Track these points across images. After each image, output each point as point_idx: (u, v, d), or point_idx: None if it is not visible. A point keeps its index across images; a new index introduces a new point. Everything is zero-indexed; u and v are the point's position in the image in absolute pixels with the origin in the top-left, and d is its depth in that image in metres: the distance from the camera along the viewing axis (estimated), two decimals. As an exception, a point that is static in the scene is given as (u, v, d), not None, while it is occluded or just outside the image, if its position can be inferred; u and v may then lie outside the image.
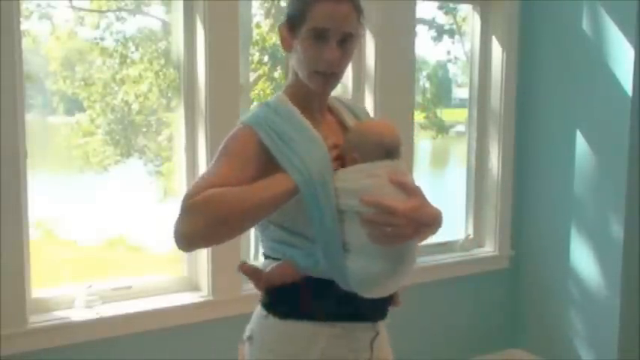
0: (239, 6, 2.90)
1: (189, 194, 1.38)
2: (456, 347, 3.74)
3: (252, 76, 3.29)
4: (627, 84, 3.30)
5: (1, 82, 2.39)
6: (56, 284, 2.86)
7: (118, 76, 2.98)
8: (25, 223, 2.52)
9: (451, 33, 4.02)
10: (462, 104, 4.10)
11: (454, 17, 4.02)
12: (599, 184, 3.46)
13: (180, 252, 2.90)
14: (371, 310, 1.56)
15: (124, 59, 2.99)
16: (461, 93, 4.23)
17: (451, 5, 3.95)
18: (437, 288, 3.62)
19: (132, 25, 3.04)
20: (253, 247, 3.25)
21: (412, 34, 3.41)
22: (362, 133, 1.56)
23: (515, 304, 3.92)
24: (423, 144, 4.16)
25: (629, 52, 3.28)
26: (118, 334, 2.69)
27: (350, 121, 1.65)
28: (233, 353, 1.83)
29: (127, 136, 3.09)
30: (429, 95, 4.23)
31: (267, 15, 3.45)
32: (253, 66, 3.28)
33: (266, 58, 3.36)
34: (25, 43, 2.61)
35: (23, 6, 2.60)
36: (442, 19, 3.99)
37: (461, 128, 4.14)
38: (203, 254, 2.86)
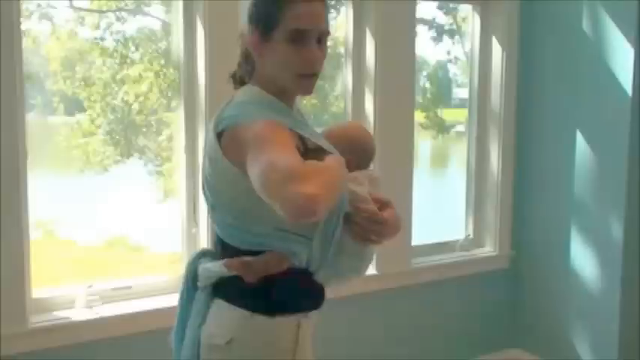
0: (239, 6, 2.89)
1: (283, 169, 1.26)
2: (456, 347, 3.74)
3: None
4: (627, 84, 3.30)
5: (1, 82, 2.39)
6: (56, 284, 2.86)
7: (118, 76, 2.98)
8: (25, 223, 2.52)
9: (451, 33, 4.02)
10: (462, 104, 4.10)
11: (454, 17, 4.02)
12: (599, 184, 3.46)
13: (180, 252, 2.91)
14: (323, 300, 1.64)
15: (124, 59, 2.98)
16: (461, 93, 4.24)
17: (451, 5, 3.95)
18: (437, 288, 3.62)
19: (132, 25, 3.04)
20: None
21: (412, 34, 3.41)
22: (352, 141, 1.64)
23: (515, 304, 3.92)
24: (423, 144, 4.17)
25: (629, 52, 3.28)
26: (118, 334, 2.69)
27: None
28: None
29: (127, 136, 3.09)
30: (429, 95, 4.23)
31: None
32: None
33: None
34: (25, 43, 2.61)
35: (23, 6, 2.59)
36: (442, 19, 3.99)
37: (461, 128, 4.14)
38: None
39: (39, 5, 2.78)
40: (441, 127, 4.19)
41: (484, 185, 3.86)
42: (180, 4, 2.86)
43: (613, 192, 3.39)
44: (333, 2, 3.54)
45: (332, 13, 3.61)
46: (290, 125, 1.49)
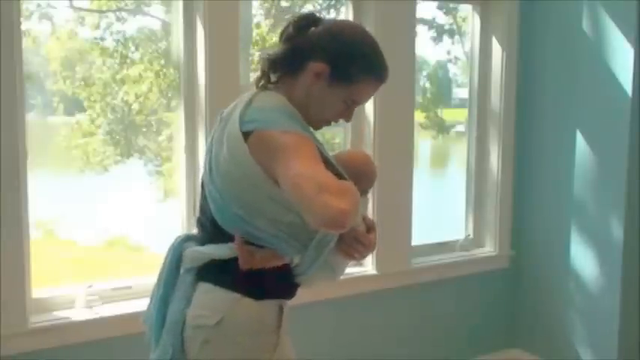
0: (239, 6, 2.90)
1: (320, 180, 1.38)
2: (456, 347, 3.74)
3: (252, 76, 3.29)
4: (627, 84, 3.30)
5: (1, 82, 2.39)
6: (56, 284, 2.86)
7: (118, 76, 2.98)
8: (25, 223, 2.51)
9: (451, 33, 4.02)
10: (462, 104, 4.10)
11: (454, 17, 4.02)
12: (599, 184, 3.46)
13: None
14: (294, 293, 1.77)
15: (124, 59, 2.99)
16: (461, 93, 4.24)
17: (451, 5, 3.95)
18: (437, 288, 3.62)
19: (132, 25, 3.05)
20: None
21: (412, 34, 3.41)
22: (358, 169, 1.76)
23: (515, 304, 3.92)
24: (423, 144, 4.17)
25: (629, 52, 3.28)
26: (118, 334, 2.68)
27: None
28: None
29: (127, 136, 3.09)
30: (429, 95, 4.23)
31: (267, 15, 3.45)
32: (253, 66, 3.28)
33: (266, 58, 3.36)
34: (25, 43, 2.60)
35: (23, 6, 2.59)
36: (442, 19, 3.99)
37: (461, 128, 4.14)
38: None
39: (39, 5, 2.78)
40: (441, 127, 4.19)
41: (484, 185, 3.86)
42: (180, 4, 2.86)
43: (613, 192, 3.39)
44: (333, 2, 3.54)
45: (331, 14, 3.62)
46: (315, 141, 1.60)
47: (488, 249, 3.86)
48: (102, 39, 2.93)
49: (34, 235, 2.66)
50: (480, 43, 3.78)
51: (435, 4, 3.88)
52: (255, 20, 3.34)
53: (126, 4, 3.07)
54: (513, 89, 3.76)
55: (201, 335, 1.64)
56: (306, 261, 1.65)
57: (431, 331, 3.64)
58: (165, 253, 1.79)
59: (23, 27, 2.56)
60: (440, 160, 4.79)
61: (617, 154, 3.36)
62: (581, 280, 3.57)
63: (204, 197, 1.72)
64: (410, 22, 3.39)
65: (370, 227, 1.70)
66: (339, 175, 1.55)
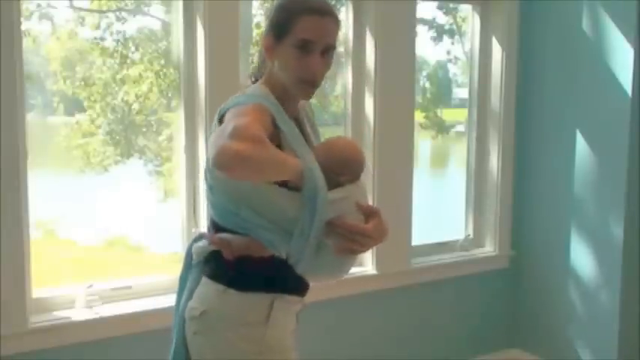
0: (239, 6, 2.90)
1: (238, 127, 1.40)
2: (456, 347, 3.74)
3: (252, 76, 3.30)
4: (627, 84, 3.30)
5: (1, 82, 2.39)
6: (56, 284, 2.86)
7: (118, 77, 2.98)
8: (25, 223, 2.52)
9: (451, 33, 4.02)
10: (462, 104, 4.10)
11: (454, 17, 4.02)
12: (599, 184, 3.46)
13: (180, 252, 2.90)
14: (303, 288, 1.74)
15: (124, 59, 2.99)
16: (461, 93, 4.24)
17: (451, 5, 3.95)
18: (437, 288, 3.62)
19: (132, 25, 3.04)
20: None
21: (412, 34, 3.41)
22: (342, 157, 1.70)
23: (515, 304, 3.92)
24: (423, 144, 4.17)
25: (629, 52, 3.28)
26: (118, 334, 2.69)
27: (309, 132, 1.80)
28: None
29: (127, 136, 3.09)
30: (429, 95, 4.23)
31: (267, 15, 3.45)
32: (253, 66, 3.28)
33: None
34: (25, 43, 2.61)
35: (23, 6, 2.59)
36: (442, 19, 3.99)
37: (461, 128, 4.14)
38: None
39: (39, 5, 2.77)
40: (441, 127, 4.19)
41: (484, 185, 3.86)
42: (180, 4, 2.86)
43: (613, 192, 3.39)
44: (333, 2, 3.54)
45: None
46: (278, 120, 1.61)
47: (488, 249, 3.86)
48: (102, 39, 2.93)
49: (34, 235, 2.66)
50: (480, 43, 3.78)
51: (435, 4, 3.88)
52: (255, 20, 3.34)
53: (126, 4, 3.07)
54: (513, 89, 3.76)
55: (192, 327, 1.68)
56: (294, 249, 1.62)
57: (431, 331, 3.64)
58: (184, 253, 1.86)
59: (23, 27, 2.56)
60: (440, 160, 4.79)
61: (617, 154, 3.36)
62: (581, 280, 3.57)
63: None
64: (410, 22, 3.39)
65: (371, 214, 1.65)
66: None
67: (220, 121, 1.62)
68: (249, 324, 1.65)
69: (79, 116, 2.99)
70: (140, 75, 2.98)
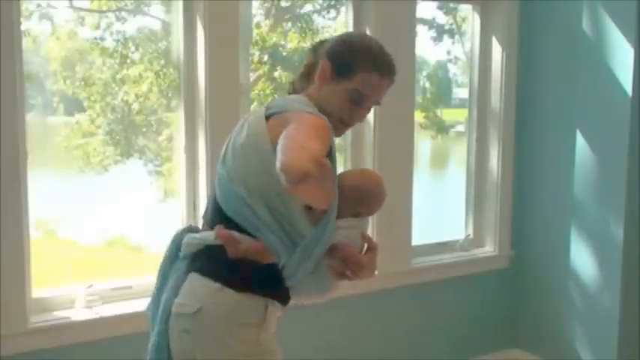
0: (239, 6, 2.90)
1: (309, 144, 1.39)
2: (456, 347, 3.74)
3: (252, 76, 3.29)
4: (627, 84, 3.30)
5: (1, 82, 2.39)
6: (56, 284, 2.86)
7: (118, 76, 2.98)
8: (25, 223, 2.52)
9: (451, 33, 4.02)
10: (462, 104, 4.10)
11: (454, 17, 4.02)
12: (599, 184, 3.46)
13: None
14: (287, 300, 1.77)
15: (124, 59, 2.99)
16: (461, 93, 4.24)
17: (451, 5, 3.95)
18: (437, 288, 3.62)
19: (132, 25, 3.04)
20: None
21: (412, 34, 3.41)
22: (368, 194, 1.76)
23: (515, 304, 3.92)
24: (423, 144, 4.17)
25: (629, 52, 3.28)
26: (118, 334, 2.69)
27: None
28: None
29: (127, 136, 3.09)
30: (429, 95, 4.23)
31: (267, 15, 3.45)
32: (253, 66, 3.28)
33: (266, 58, 3.36)
34: (25, 43, 2.61)
35: (23, 6, 2.59)
36: (442, 19, 3.99)
37: (461, 128, 4.14)
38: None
39: (39, 5, 2.77)
40: (441, 127, 4.19)
41: (484, 185, 3.86)
42: (180, 4, 2.86)
43: (613, 192, 3.39)
44: (333, 2, 3.54)
45: (331, 14, 3.62)
46: (332, 145, 1.64)
47: (488, 249, 3.86)
48: (102, 39, 2.93)
49: (34, 235, 2.66)
50: (480, 43, 3.78)
51: (435, 4, 3.88)
52: (255, 20, 3.34)
53: (126, 4, 3.07)
54: (513, 89, 3.76)
55: (181, 324, 1.65)
56: (292, 262, 1.64)
57: (431, 331, 3.64)
58: (167, 245, 1.81)
59: (23, 27, 2.56)
60: (440, 160, 4.78)
61: (617, 154, 3.36)
62: (581, 280, 3.57)
63: (212, 195, 1.76)
64: (410, 22, 3.39)
65: (370, 247, 1.72)
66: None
67: (267, 118, 1.63)
68: (245, 325, 1.64)
69: (79, 116, 2.99)
70: (140, 75, 2.98)
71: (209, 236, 1.68)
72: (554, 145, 3.68)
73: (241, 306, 1.64)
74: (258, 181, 1.61)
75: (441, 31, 3.97)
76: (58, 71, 2.95)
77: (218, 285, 1.63)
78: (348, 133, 3.32)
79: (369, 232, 1.96)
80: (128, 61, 3.00)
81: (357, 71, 1.69)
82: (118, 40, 2.97)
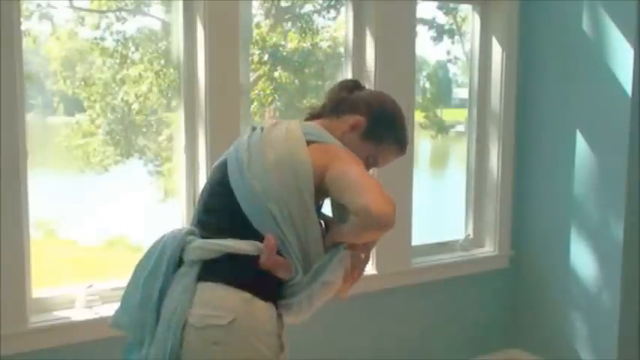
0: (239, 6, 2.90)
1: (393, 202, 1.62)
2: (456, 347, 3.74)
3: (252, 76, 3.29)
4: (627, 84, 3.30)
5: (1, 82, 2.39)
6: (56, 284, 2.86)
7: (118, 77, 2.98)
8: (25, 223, 2.52)
9: (451, 33, 4.02)
10: (462, 104, 4.10)
11: (454, 17, 4.02)
12: (599, 184, 3.46)
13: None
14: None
15: (124, 59, 2.99)
16: (461, 93, 4.24)
17: (451, 5, 3.95)
18: (437, 288, 3.62)
19: (132, 25, 3.04)
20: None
21: (412, 34, 3.41)
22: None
23: (515, 304, 3.92)
24: (423, 144, 4.17)
25: (629, 52, 3.28)
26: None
27: None
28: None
29: (127, 136, 3.09)
30: (429, 95, 4.23)
31: (267, 15, 3.45)
32: (253, 66, 3.28)
33: (266, 58, 3.36)
34: (25, 43, 2.61)
35: (23, 6, 2.59)
36: (442, 19, 3.99)
37: (461, 128, 4.14)
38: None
39: (39, 5, 2.77)
40: (441, 127, 4.19)
41: (484, 185, 3.86)
42: (180, 4, 2.86)
43: (613, 192, 3.39)
44: (333, 2, 3.55)
45: (331, 13, 3.62)
46: None
47: (488, 249, 3.86)
48: (102, 39, 2.92)
49: (34, 235, 2.66)
50: (479, 43, 3.78)
51: (435, 4, 3.88)
52: (255, 20, 3.34)
53: (126, 4, 3.07)
54: (513, 89, 3.76)
55: (212, 336, 1.62)
56: (298, 284, 1.71)
57: (431, 331, 3.64)
58: (157, 245, 1.77)
59: (23, 27, 2.56)
60: (440, 160, 4.78)
61: (617, 154, 3.36)
62: (581, 279, 3.57)
63: (212, 196, 1.76)
64: (410, 22, 3.39)
65: (354, 265, 1.80)
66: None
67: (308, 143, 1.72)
68: (268, 333, 1.69)
69: (79, 116, 2.99)
70: (140, 75, 2.98)
71: (241, 245, 1.66)
72: (554, 144, 3.68)
73: (267, 315, 1.69)
74: (291, 201, 1.67)
75: (440, 31, 3.97)
76: (58, 71, 2.95)
77: (248, 295, 1.65)
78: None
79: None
80: (128, 61, 3.00)
81: (385, 141, 1.86)
82: (118, 40, 2.97)
